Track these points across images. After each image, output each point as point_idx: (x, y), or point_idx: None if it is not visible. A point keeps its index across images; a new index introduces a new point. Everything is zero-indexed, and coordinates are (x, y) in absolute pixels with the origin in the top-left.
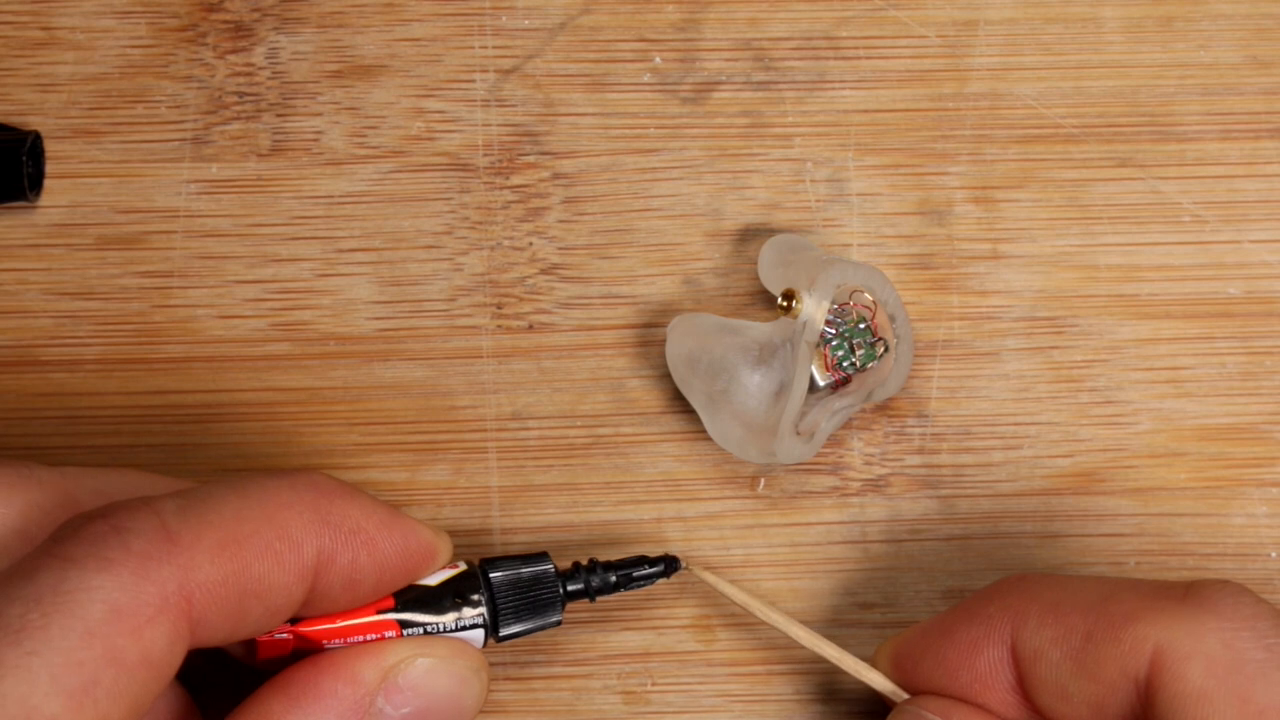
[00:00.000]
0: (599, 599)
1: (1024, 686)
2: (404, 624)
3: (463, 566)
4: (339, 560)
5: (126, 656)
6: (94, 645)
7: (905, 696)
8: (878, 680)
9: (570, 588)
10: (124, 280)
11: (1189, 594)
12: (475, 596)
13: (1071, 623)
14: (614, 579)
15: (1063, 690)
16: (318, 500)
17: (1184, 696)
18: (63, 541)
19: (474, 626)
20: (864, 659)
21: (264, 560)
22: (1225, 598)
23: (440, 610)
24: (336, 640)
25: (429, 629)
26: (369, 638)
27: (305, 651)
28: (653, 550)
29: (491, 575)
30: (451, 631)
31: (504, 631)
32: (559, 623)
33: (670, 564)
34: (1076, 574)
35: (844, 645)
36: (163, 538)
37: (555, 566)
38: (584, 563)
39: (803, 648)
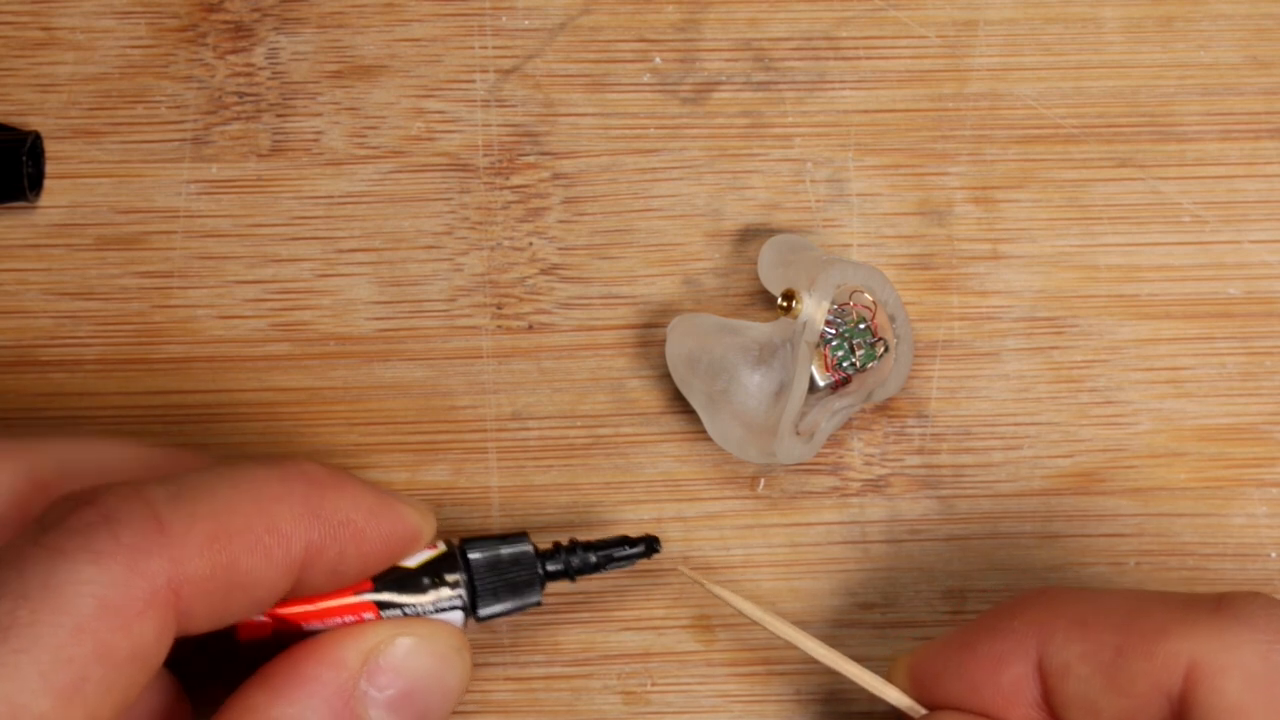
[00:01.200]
0: (579, 578)
1: (1050, 702)
2: (382, 605)
3: (442, 547)
4: (326, 553)
5: (116, 651)
6: (83, 641)
7: (923, 712)
8: (895, 696)
9: (550, 568)
10: (124, 280)
11: (1221, 606)
12: (453, 577)
13: (1101, 637)
14: (594, 559)
15: (1092, 706)
16: (309, 493)
17: (1221, 710)
18: (50, 531)
19: (453, 608)
20: (869, 662)
21: (253, 555)
22: (1259, 610)
23: (419, 591)
24: (315, 622)
25: (407, 610)
26: (347, 619)
27: (285, 632)
28: (636, 531)
29: (470, 555)
30: (430, 613)
31: (483, 611)
32: (539, 603)
33: (650, 544)
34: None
35: (844, 645)
36: (154, 529)
37: (535, 546)
38: (564, 542)
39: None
